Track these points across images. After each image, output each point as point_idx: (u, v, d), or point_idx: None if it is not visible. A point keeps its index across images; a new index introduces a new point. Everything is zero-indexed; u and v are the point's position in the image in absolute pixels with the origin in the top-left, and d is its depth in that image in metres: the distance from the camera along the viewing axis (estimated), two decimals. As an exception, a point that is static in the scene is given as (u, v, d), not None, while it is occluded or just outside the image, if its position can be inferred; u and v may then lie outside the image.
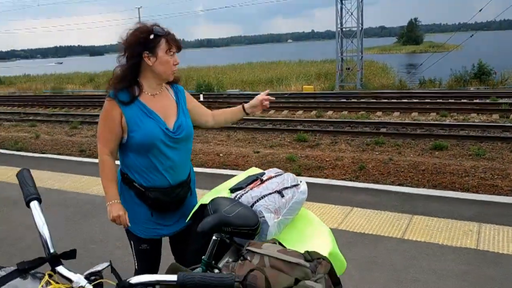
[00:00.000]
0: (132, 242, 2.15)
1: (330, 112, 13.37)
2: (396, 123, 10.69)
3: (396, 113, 12.42)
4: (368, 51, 57.73)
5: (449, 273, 3.11)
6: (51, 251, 1.20)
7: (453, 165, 7.04)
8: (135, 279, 1.09)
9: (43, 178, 5.95)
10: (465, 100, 14.01)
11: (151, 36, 1.89)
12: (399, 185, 6.34)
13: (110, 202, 1.94)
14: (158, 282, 1.10)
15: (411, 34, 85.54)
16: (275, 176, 1.69)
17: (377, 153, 8.27)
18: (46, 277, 1.09)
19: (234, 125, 11.70)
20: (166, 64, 1.96)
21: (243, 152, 8.83)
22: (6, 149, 9.31)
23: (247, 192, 1.59)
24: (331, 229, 3.93)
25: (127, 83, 1.97)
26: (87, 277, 1.11)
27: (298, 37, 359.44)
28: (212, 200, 1.60)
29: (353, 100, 15.78)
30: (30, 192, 1.29)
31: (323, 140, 9.59)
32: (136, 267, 2.16)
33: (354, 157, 7.91)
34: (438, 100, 14.20)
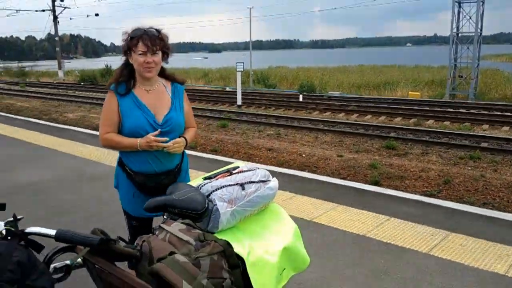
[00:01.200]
0: (126, 218, 2.44)
1: (430, 121, 12.64)
2: (501, 138, 9.76)
3: (506, 128, 11.33)
4: (496, 58, 52.95)
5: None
6: None
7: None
8: (29, 229, 1.36)
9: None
10: None
11: (130, 38, 2.15)
12: (484, 203, 5.90)
13: (137, 142, 2.18)
14: (39, 233, 1.35)
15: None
16: (246, 171, 1.78)
17: (469, 168, 7.67)
18: None
19: (325, 127, 11.68)
20: (138, 63, 2.17)
21: (327, 154, 8.78)
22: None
23: (211, 182, 1.71)
24: (357, 235, 3.86)
25: (123, 78, 2.25)
26: (5, 224, 1.36)
27: (418, 41, 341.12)
28: (174, 184, 1.76)
29: (460, 110, 14.69)
30: None
31: (413, 149, 9.15)
32: (128, 241, 2.39)
33: (442, 170, 7.44)
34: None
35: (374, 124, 12.27)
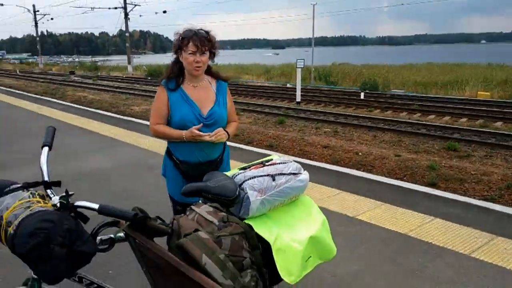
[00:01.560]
0: (172, 203, 2.63)
1: (499, 123, 11.98)
2: None
3: None
4: None
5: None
6: (46, 178, 1.75)
7: None
8: (77, 203, 1.59)
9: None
10: None
11: (180, 38, 2.33)
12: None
13: (183, 134, 2.39)
14: (86, 207, 1.56)
15: None
16: (279, 163, 1.88)
17: (537, 173, 7.23)
18: (27, 194, 1.65)
19: (385, 126, 11.43)
20: (187, 61, 2.36)
21: (384, 154, 8.61)
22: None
23: (245, 172, 1.84)
24: (398, 233, 3.89)
25: (173, 75, 2.44)
26: (59, 198, 1.60)
27: (494, 37, 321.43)
28: (210, 172, 1.91)
29: (535, 112, 13.78)
30: (45, 140, 1.90)
31: (476, 151, 8.75)
32: None
33: (506, 174, 7.08)
34: None
35: (437, 124, 11.83)
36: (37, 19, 52.71)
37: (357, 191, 5.08)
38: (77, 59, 79.12)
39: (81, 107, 13.79)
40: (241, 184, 1.74)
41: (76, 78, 32.72)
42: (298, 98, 16.49)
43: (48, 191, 1.69)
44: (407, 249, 3.59)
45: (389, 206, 4.56)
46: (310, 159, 7.95)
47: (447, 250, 3.54)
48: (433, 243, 3.68)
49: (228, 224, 1.57)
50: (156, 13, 42.22)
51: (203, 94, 2.49)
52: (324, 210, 3.50)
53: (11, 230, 1.48)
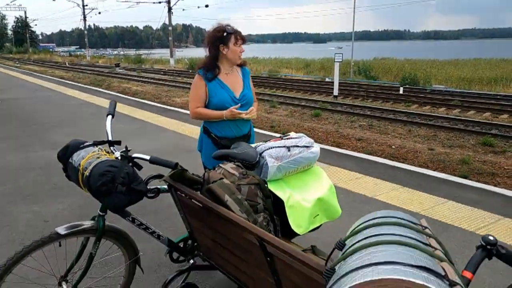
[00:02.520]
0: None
1: (542, 120, 11.71)
2: None
3: None
4: None
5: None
6: (110, 138, 2.31)
7: None
8: (134, 155, 2.14)
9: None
10: None
11: (225, 34, 2.74)
12: None
13: (224, 114, 2.80)
14: (140, 157, 2.08)
15: None
16: (295, 138, 2.23)
17: None
18: (96, 149, 2.22)
19: (421, 121, 11.44)
20: (234, 52, 2.82)
21: (418, 147, 8.71)
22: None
23: (266, 143, 2.21)
24: (410, 211, 4.22)
25: (211, 66, 2.85)
26: (121, 152, 2.12)
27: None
28: (238, 142, 2.30)
29: None
30: (109, 110, 2.44)
31: (513, 147, 8.69)
32: None
33: (541, 170, 7.06)
34: None
35: (475, 120, 11.70)
36: (86, 13, 54.85)
37: (379, 176, 5.36)
38: (122, 52, 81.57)
39: (126, 96, 14.51)
40: (262, 152, 2.12)
41: (121, 70, 33.98)
42: (336, 92, 16.60)
43: (111, 148, 2.22)
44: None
45: (407, 189, 4.85)
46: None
47: (453, 227, 3.81)
48: (442, 220, 3.96)
49: (246, 176, 1.95)
50: (198, 7, 42.98)
51: (234, 79, 2.91)
52: (344, 191, 3.84)
53: (86, 173, 1.99)
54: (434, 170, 7.14)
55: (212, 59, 2.85)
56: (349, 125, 11.26)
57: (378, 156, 8.00)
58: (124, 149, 2.17)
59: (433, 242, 1.21)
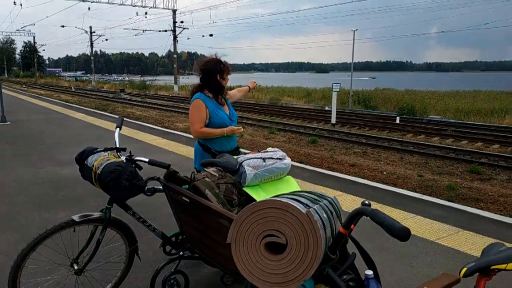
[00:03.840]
0: None
1: (531, 150, 12.08)
2: None
3: None
4: None
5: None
6: (117, 145, 2.75)
7: None
8: (136, 157, 2.60)
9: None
10: None
11: (222, 65, 3.26)
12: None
13: (225, 130, 3.28)
14: (141, 160, 2.54)
15: None
16: (270, 151, 2.66)
17: (554, 197, 7.50)
18: (106, 154, 2.64)
19: (414, 149, 11.83)
20: (226, 81, 3.33)
21: (408, 174, 9.07)
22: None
23: (245, 155, 2.67)
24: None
25: (209, 91, 3.34)
26: (126, 158, 2.56)
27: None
28: (222, 154, 2.73)
29: None
30: (117, 124, 2.90)
31: (499, 175, 9.05)
32: None
33: (524, 197, 7.40)
34: None
35: (466, 149, 12.10)
36: (93, 39, 56.20)
37: (356, 193, 5.84)
38: (127, 78, 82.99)
39: (130, 120, 15.00)
40: (242, 162, 2.55)
41: (125, 96, 34.70)
42: (333, 120, 17.07)
43: (118, 153, 2.72)
44: (382, 234, 4.21)
45: (380, 204, 5.31)
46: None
47: (417, 237, 4.27)
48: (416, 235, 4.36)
49: (224, 177, 2.40)
50: (203, 36, 44.15)
51: (222, 101, 3.41)
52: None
53: (98, 171, 2.47)
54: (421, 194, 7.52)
55: (211, 85, 3.31)
56: (344, 151, 11.66)
57: (369, 180, 8.39)
58: (128, 154, 2.66)
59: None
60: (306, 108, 26.72)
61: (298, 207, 1.37)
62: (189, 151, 8.52)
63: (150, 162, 2.52)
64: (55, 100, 25.91)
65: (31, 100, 24.56)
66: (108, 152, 2.70)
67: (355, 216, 1.63)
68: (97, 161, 2.54)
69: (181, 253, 2.79)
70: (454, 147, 12.49)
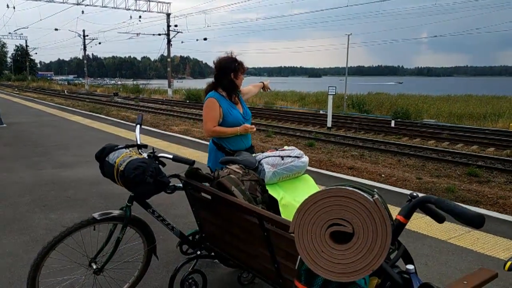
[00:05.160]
0: None
1: (526, 154, 12.22)
2: None
3: None
4: None
5: None
6: (138, 142, 2.72)
7: None
8: (160, 154, 2.60)
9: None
10: None
11: (236, 63, 3.23)
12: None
13: (238, 129, 3.25)
14: (165, 156, 2.53)
15: None
16: (288, 149, 2.69)
17: (552, 199, 7.59)
18: (128, 150, 2.63)
19: (411, 152, 11.92)
20: (241, 79, 3.31)
21: (406, 176, 9.13)
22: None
23: (263, 153, 2.71)
24: None
25: (222, 89, 3.32)
26: (149, 154, 2.56)
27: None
28: (240, 152, 2.76)
29: None
30: (138, 121, 2.98)
31: (497, 178, 9.14)
32: None
33: (522, 199, 7.49)
34: None
35: (463, 152, 12.21)
36: (86, 43, 55.94)
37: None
38: (119, 82, 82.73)
39: (126, 122, 14.96)
40: (260, 160, 2.57)
41: (119, 100, 34.56)
42: (329, 124, 17.15)
43: (139, 150, 2.72)
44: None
45: (388, 205, 5.31)
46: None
47: (429, 237, 4.35)
48: (418, 231, 4.48)
49: (248, 173, 2.43)
50: (197, 40, 44.09)
51: (236, 100, 3.39)
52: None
53: (121, 168, 2.45)
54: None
55: (225, 83, 3.27)
56: (341, 154, 11.71)
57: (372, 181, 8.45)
58: (151, 151, 2.67)
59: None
60: (301, 111, 26.80)
61: (365, 194, 1.38)
62: (191, 154, 8.51)
63: (174, 159, 2.53)
64: (49, 103, 25.75)
65: (25, 103, 24.39)
66: (130, 149, 2.68)
67: (418, 204, 1.61)
68: (119, 158, 2.52)
69: (198, 252, 2.79)
70: (451, 150, 12.59)
